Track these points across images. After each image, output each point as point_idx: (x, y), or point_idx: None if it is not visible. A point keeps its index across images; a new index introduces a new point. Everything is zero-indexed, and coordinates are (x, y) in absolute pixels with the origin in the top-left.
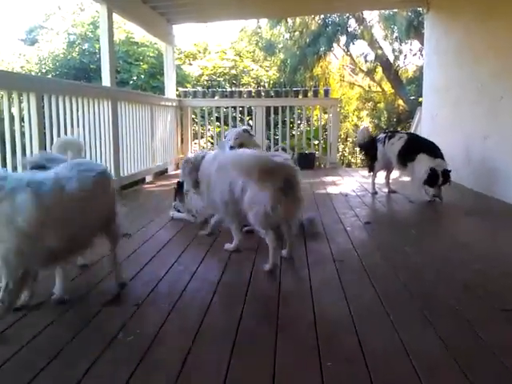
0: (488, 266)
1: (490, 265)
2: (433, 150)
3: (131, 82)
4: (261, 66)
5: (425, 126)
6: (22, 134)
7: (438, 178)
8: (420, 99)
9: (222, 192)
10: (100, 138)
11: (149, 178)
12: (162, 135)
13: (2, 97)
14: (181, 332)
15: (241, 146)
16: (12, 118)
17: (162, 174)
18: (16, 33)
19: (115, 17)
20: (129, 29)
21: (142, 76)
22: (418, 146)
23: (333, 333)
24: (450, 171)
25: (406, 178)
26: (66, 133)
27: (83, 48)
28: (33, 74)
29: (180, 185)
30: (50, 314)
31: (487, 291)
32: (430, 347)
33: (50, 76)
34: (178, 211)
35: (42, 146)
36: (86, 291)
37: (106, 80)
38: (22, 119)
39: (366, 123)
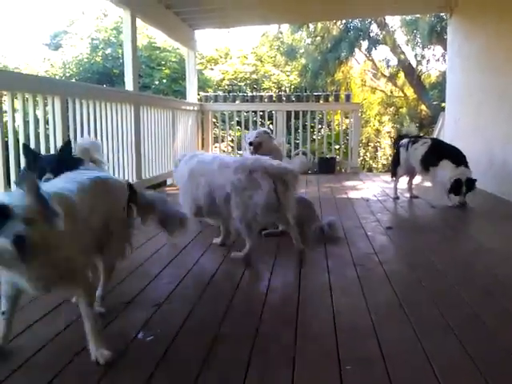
0: (509, 272)
1: None
2: (456, 157)
3: (153, 87)
4: (282, 71)
5: (448, 130)
6: (47, 137)
7: (462, 187)
8: (443, 104)
9: (200, 193)
10: (122, 141)
11: (170, 181)
12: (183, 139)
13: (27, 100)
14: (201, 332)
15: (259, 145)
16: (37, 120)
17: None
18: (41, 38)
19: (138, 22)
20: (151, 34)
21: (164, 80)
22: (441, 152)
23: (353, 337)
24: (475, 180)
25: (428, 184)
26: (89, 135)
27: (106, 53)
28: (57, 77)
29: None
30: (71, 314)
31: (508, 297)
32: (451, 353)
33: (73, 80)
34: None
35: None
36: (107, 291)
37: (129, 84)
38: (46, 122)
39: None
